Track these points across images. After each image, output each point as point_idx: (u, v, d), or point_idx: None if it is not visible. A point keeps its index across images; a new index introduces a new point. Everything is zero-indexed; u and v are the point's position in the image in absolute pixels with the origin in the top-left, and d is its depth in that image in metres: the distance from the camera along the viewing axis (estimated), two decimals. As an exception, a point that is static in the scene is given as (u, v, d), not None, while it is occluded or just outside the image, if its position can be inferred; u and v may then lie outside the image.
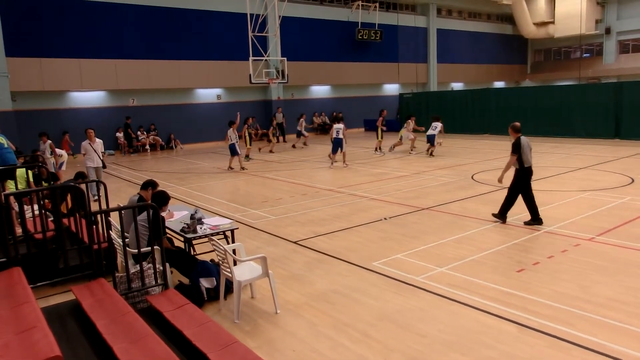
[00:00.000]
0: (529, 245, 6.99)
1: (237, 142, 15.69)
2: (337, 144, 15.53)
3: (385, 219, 8.83)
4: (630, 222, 7.92)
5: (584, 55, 40.06)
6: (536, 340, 4.35)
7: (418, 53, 33.91)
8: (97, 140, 11.66)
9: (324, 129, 29.29)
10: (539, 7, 37.53)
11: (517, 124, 8.33)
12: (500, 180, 8.24)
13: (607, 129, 20.50)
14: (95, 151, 11.44)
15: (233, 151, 15.68)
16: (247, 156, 18.04)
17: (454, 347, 4.30)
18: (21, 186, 7.52)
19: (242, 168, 15.89)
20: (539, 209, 8.05)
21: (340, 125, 15.54)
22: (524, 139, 8.05)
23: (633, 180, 11.36)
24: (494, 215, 8.43)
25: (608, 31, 37.55)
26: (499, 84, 39.86)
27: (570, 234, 7.39)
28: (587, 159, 15.04)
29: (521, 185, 8.07)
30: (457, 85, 37.16)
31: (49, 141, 13.02)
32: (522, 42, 41.41)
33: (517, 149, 7.94)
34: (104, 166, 11.79)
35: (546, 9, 37.48)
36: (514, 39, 40.51)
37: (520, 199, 8.07)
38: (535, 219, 8.06)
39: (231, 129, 15.69)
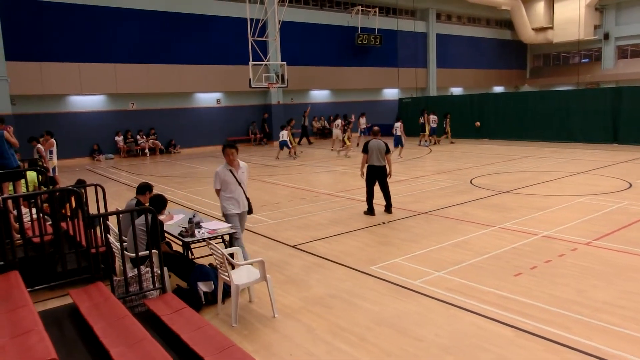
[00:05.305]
0: (527, 249, 7.00)
1: None
2: (396, 140, 18.10)
3: (383, 223, 8.85)
4: (628, 227, 7.94)
5: (583, 60, 40.18)
6: (532, 344, 4.37)
7: (417, 58, 33.98)
8: (242, 164, 6.58)
9: (323, 133, 29.32)
10: (538, 12, 37.66)
11: (375, 128, 9.57)
12: (361, 175, 9.48)
13: (606, 134, 20.55)
14: (240, 184, 6.47)
15: None
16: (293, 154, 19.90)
17: (450, 351, 4.31)
18: (25, 189, 7.51)
19: None
20: (533, 214, 8.29)
21: (398, 123, 18.15)
22: (373, 142, 9.15)
23: (631, 185, 11.39)
24: (365, 212, 9.39)
25: (606, 37, 37.67)
26: (498, 89, 39.91)
27: (568, 238, 7.40)
28: (585, 164, 15.07)
29: (368, 180, 9.31)
30: (457, 90, 37.23)
31: (39, 145, 12.92)
32: (521, 48, 41.50)
33: (364, 150, 9.24)
34: (250, 210, 6.78)
35: (545, 15, 37.61)
36: (513, 45, 40.62)
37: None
38: (387, 208, 9.44)
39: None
